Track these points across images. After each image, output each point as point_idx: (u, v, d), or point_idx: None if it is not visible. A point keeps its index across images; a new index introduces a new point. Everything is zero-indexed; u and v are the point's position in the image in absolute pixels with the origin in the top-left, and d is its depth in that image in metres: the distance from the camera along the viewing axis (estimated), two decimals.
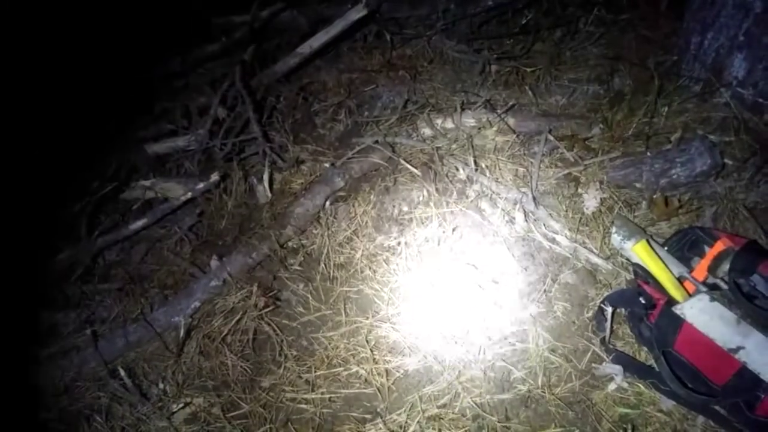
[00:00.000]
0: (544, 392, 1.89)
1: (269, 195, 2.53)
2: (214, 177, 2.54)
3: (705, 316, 1.69)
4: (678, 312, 1.74)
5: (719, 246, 1.85)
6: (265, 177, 2.51)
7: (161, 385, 2.01)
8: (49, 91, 3.03)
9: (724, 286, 1.76)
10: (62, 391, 2.04)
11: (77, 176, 2.79)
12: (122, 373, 1.94)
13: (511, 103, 2.67)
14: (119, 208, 2.71)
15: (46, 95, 3.02)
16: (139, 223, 2.49)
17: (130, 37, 3.34)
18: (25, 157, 2.78)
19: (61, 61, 3.13)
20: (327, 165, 2.55)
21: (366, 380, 2.00)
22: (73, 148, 2.92)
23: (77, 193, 2.65)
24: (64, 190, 2.69)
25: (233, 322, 2.12)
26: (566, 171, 2.40)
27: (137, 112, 3.15)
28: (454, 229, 2.31)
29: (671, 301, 1.79)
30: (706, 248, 1.90)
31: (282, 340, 2.13)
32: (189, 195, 2.53)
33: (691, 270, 1.88)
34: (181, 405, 1.92)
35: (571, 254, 2.21)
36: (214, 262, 2.33)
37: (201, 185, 2.54)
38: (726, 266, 1.78)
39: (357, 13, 2.78)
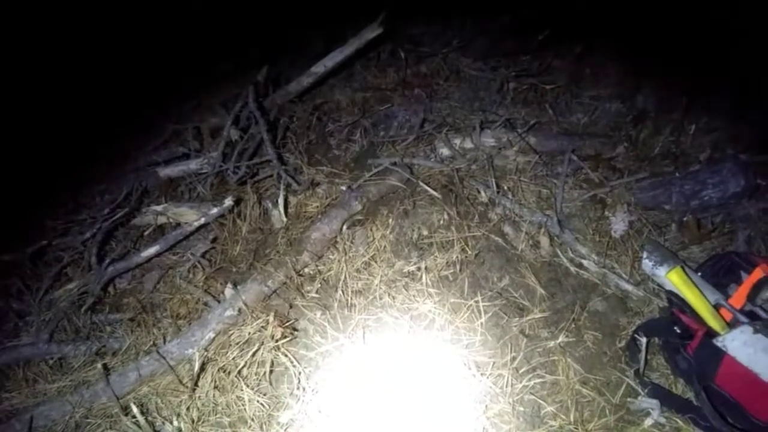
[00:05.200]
0: (577, 428, 1.80)
1: (284, 219, 2.46)
2: (228, 201, 2.46)
3: (748, 349, 1.61)
4: (719, 344, 1.66)
5: (758, 272, 1.77)
6: (280, 201, 2.44)
7: (175, 422, 1.92)
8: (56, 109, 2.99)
9: (764, 315, 1.68)
10: (73, 429, 1.96)
11: (85, 201, 2.73)
12: (135, 409, 1.84)
13: (532, 122, 2.60)
14: (130, 234, 2.64)
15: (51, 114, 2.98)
16: (151, 250, 2.42)
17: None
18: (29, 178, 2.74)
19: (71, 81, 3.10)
20: (343, 188, 2.48)
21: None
22: (81, 171, 2.87)
23: (87, 219, 2.59)
24: (72, 215, 2.62)
25: (249, 354, 2.04)
26: (592, 192, 2.33)
27: (149, 134, 3.09)
28: (476, 254, 2.24)
29: (711, 333, 1.71)
30: (744, 274, 1.82)
31: (300, 372, 2.05)
32: (202, 220, 2.45)
33: (727, 297, 1.80)
34: None
35: (599, 280, 2.13)
36: (228, 291, 2.25)
37: (214, 210, 2.46)
38: (766, 293, 1.71)
39: (371, 32, 2.72)
